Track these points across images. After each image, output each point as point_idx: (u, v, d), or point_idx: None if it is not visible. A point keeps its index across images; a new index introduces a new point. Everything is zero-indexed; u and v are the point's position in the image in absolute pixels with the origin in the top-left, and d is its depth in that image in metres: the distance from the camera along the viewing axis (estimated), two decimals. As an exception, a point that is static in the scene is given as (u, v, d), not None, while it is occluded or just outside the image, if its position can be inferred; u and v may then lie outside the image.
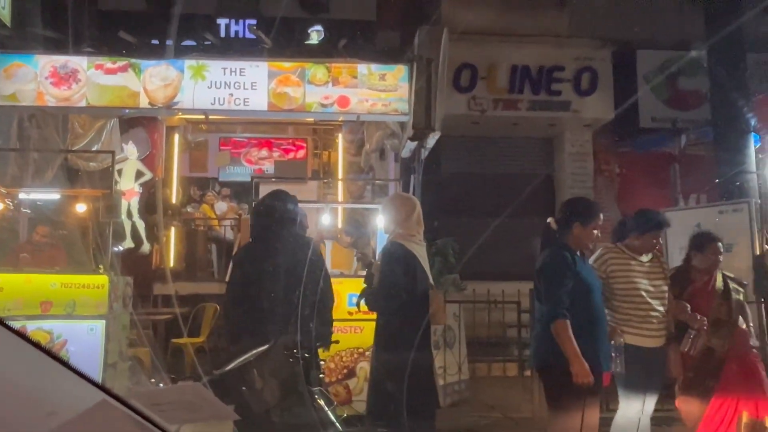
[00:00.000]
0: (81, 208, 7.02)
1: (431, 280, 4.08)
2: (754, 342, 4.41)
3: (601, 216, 3.80)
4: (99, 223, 6.81)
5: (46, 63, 7.19)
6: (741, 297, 4.42)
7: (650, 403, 3.98)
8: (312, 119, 8.16)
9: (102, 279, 5.79)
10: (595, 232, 3.76)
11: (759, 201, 7.48)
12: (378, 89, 7.41)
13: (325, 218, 7.61)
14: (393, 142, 7.94)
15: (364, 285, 4.27)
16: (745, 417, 4.06)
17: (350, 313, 5.65)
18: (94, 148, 7.81)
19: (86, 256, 6.57)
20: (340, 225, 8.03)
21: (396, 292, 3.86)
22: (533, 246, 4.02)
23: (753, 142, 8.32)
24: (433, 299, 3.98)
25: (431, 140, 7.43)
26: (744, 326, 4.33)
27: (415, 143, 7.43)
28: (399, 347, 3.80)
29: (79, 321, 5.52)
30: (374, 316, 4.15)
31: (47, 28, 7.62)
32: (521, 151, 10.63)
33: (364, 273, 4.74)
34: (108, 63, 7.26)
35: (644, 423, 3.96)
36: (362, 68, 7.45)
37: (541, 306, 3.71)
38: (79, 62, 7.21)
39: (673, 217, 5.92)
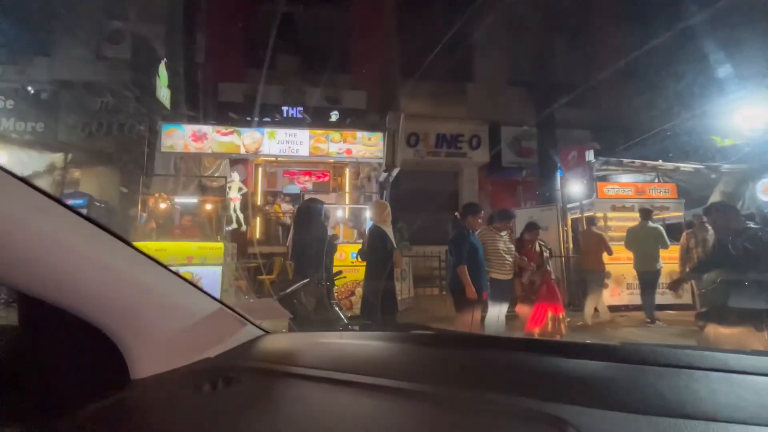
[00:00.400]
0: (208, 206, 6.89)
1: (395, 245, 4.09)
2: (553, 276, 4.46)
3: (482, 212, 3.80)
4: (218, 215, 6.69)
5: (189, 129, 7.02)
6: (548, 254, 4.48)
7: (504, 308, 3.99)
8: (332, 161, 8.09)
9: (219, 244, 5.68)
10: (479, 220, 3.78)
11: (561, 204, 7.63)
12: (367, 145, 7.37)
13: (339, 213, 7.59)
14: (375, 173, 7.92)
15: (360, 247, 4.28)
16: (549, 314, 4.10)
17: (352, 262, 5.67)
18: (215, 175, 7.67)
19: (211, 232, 6.45)
20: (347, 217, 7.98)
21: (376, 251, 3.87)
22: (447, 227, 4.02)
23: (558, 174, 8.47)
24: (395, 255, 3.99)
25: (395, 172, 7.43)
26: (549, 268, 4.40)
27: (386, 173, 7.42)
28: (377, 279, 3.80)
29: (208, 267, 5.41)
30: (364, 263, 4.13)
31: (190, 110, 7.44)
32: (441, 178, 10.66)
33: (360, 241, 4.77)
34: (223, 129, 7.10)
35: (501, 319, 3.97)
36: (359, 134, 7.40)
37: (451, 258, 3.70)
38: (207, 129, 7.05)
39: (518, 213, 6.00)
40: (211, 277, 5.32)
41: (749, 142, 7.31)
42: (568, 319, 4.46)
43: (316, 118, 8.21)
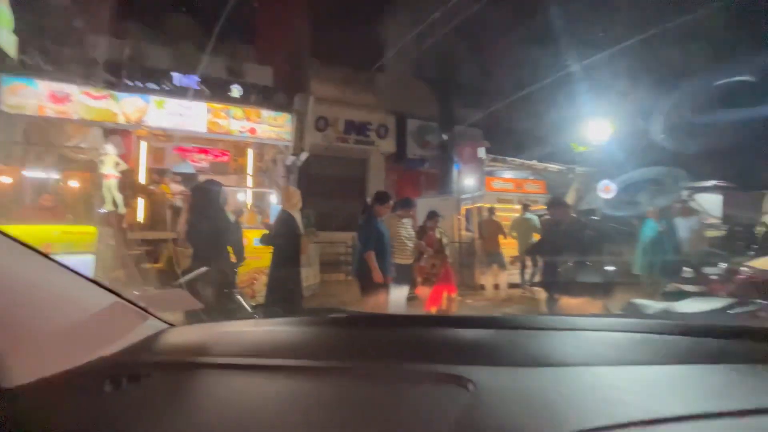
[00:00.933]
0: (74, 183, 5.74)
1: (302, 231, 4.02)
2: (449, 260, 4.88)
3: (391, 201, 3.89)
4: (88, 194, 5.62)
5: (45, 86, 5.70)
6: (445, 240, 4.89)
7: (405, 290, 4.10)
8: (233, 139, 7.44)
9: (91, 228, 4.81)
10: (387, 209, 3.88)
11: (457, 195, 8.42)
12: (273, 125, 7.01)
13: (241, 196, 7.10)
14: (281, 156, 7.57)
15: (266, 232, 4.12)
16: (445, 294, 4.46)
17: (254, 249, 5.41)
18: (83, 146, 6.40)
19: (79, 214, 5.40)
20: (250, 202, 7.47)
21: (284, 236, 3.77)
22: (354, 213, 4.07)
23: (455, 167, 9.25)
24: (302, 241, 3.93)
25: (303, 156, 7.24)
26: (446, 253, 4.82)
27: (294, 157, 7.19)
28: (284, 266, 3.73)
29: (76, 255, 4.53)
30: (267, 250, 3.98)
31: (47, 63, 5.99)
32: (349, 165, 10.70)
33: (263, 227, 4.55)
34: (94, 91, 5.96)
35: (402, 300, 4.04)
36: (264, 113, 6.98)
37: (359, 244, 3.77)
38: (72, 89, 5.82)
39: (420, 202, 6.43)
40: (79, 267, 4.46)
41: (596, 150, 9.06)
42: (459, 298, 4.99)
43: (215, 91, 7.39)
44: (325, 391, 0.68)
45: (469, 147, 9.00)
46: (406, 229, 4.22)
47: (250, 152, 8.04)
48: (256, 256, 5.40)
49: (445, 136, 10.21)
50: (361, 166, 10.87)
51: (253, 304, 4.65)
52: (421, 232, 4.60)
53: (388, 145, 10.60)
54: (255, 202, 7.33)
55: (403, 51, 10.24)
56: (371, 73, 10.40)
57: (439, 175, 10.29)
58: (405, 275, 4.14)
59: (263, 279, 5.25)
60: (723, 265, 4.62)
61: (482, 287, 7.08)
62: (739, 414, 0.43)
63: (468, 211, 8.56)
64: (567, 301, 3.35)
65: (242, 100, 7.23)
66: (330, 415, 0.60)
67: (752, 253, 5.46)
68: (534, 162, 8.82)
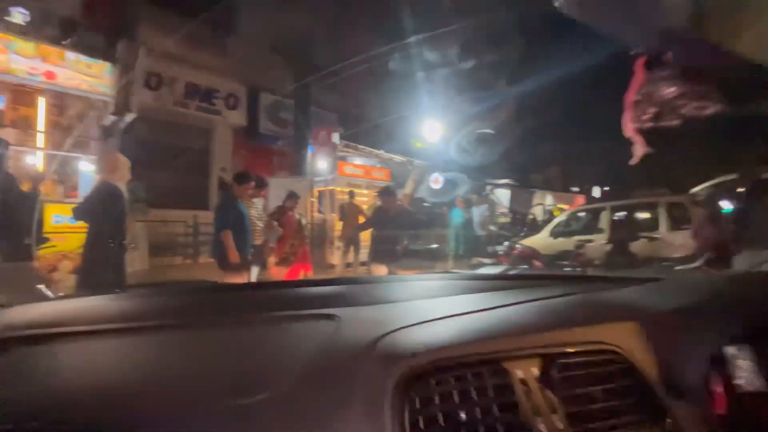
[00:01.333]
0: None
1: (128, 207, 3.47)
2: (307, 241, 5.04)
3: (251, 181, 3.78)
4: None
5: None
6: (304, 221, 5.01)
7: (256, 270, 4.13)
8: (15, 81, 5.58)
9: None
10: (248, 189, 3.76)
11: (311, 177, 8.58)
12: (85, 74, 5.59)
13: (30, 160, 5.40)
14: (96, 113, 6.11)
15: (77, 205, 3.37)
16: (302, 273, 4.59)
17: (55, 228, 4.32)
18: None
19: None
20: (43, 167, 5.79)
21: (105, 213, 3.17)
22: (196, 188, 3.77)
23: (309, 149, 9.36)
24: (128, 219, 3.41)
25: (128, 117, 6.04)
26: (305, 233, 4.94)
27: (116, 117, 5.93)
28: (102, 248, 3.15)
29: None
30: (74, 229, 3.29)
31: None
32: (191, 134, 9.35)
33: (70, 201, 3.66)
34: None
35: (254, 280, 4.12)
36: (70, 55, 5.49)
37: (215, 224, 3.58)
38: None
39: (274, 182, 6.31)
40: None
41: (431, 147, 10.65)
42: (313, 277, 5.22)
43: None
44: (195, 343, 0.75)
45: (323, 130, 9.21)
46: (257, 209, 4.16)
47: (42, 102, 6.18)
48: (59, 237, 4.34)
49: (300, 116, 10.10)
50: (205, 137, 9.69)
51: (61, 294, 3.77)
52: (280, 212, 4.57)
53: (238, 117, 9.78)
54: (55, 167, 5.74)
55: (263, 18, 9.57)
56: (224, 34, 9.33)
57: (291, 156, 10.14)
58: (255, 255, 4.06)
59: (69, 265, 4.27)
60: (506, 243, 6.32)
61: (332, 266, 7.54)
62: (487, 309, 0.78)
63: (321, 193, 8.84)
64: (402, 269, 4.04)
65: (33, 32, 5.48)
66: (202, 362, 0.69)
67: (523, 234, 7.59)
68: (381, 152, 9.75)
